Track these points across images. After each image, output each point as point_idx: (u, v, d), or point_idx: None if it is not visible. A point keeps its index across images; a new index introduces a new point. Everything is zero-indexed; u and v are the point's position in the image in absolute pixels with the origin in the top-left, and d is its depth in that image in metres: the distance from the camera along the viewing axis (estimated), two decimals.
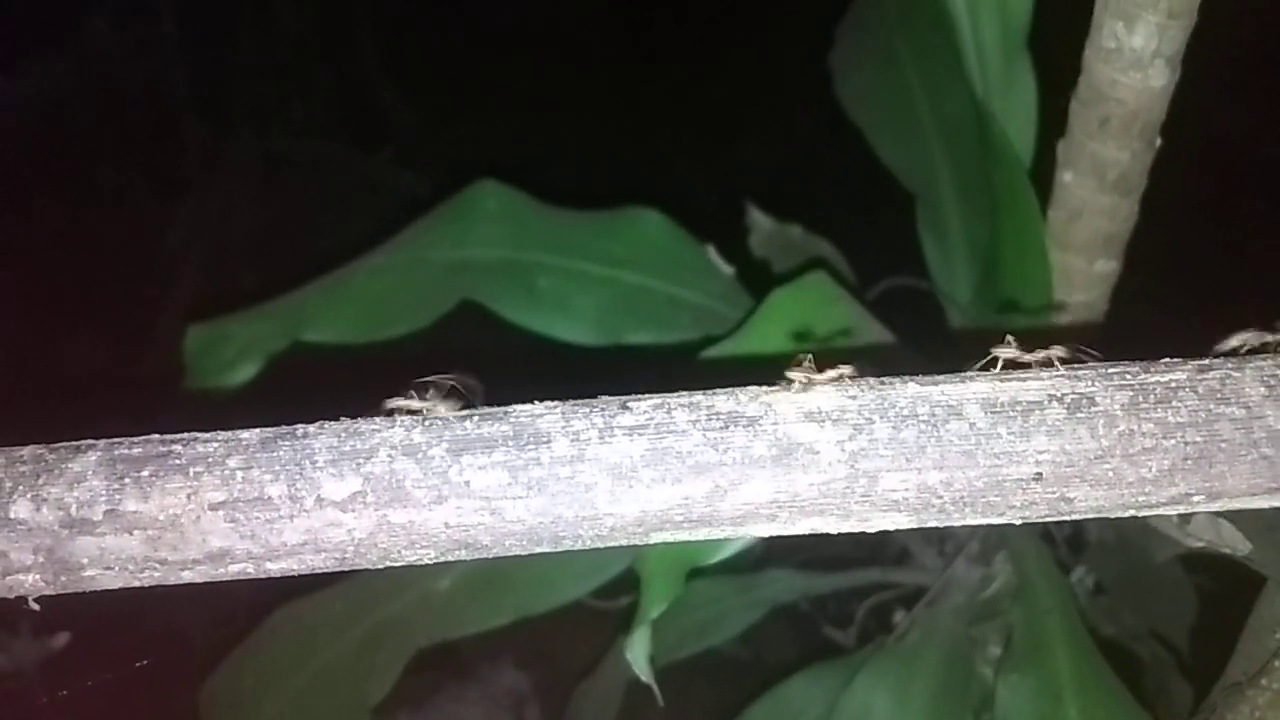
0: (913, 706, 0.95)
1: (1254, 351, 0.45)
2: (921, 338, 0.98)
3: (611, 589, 1.06)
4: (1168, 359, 0.44)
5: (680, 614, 1.09)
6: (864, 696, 0.95)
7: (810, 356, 0.44)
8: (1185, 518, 0.77)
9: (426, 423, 0.43)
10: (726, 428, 0.43)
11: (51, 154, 2.05)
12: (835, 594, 1.24)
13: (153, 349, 1.82)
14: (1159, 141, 0.91)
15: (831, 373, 0.44)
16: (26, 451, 0.44)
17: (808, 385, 0.44)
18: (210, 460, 0.43)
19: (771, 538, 0.94)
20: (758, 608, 1.17)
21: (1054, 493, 0.43)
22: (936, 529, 1.16)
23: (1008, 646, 0.93)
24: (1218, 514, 0.75)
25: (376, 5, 2.39)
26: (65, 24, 2.10)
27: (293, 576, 0.45)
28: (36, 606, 0.44)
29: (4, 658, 1.43)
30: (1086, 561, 1.12)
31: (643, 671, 0.77)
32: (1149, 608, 1.10)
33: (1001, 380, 0.44)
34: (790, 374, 0.45)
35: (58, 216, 1.99)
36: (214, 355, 1.03)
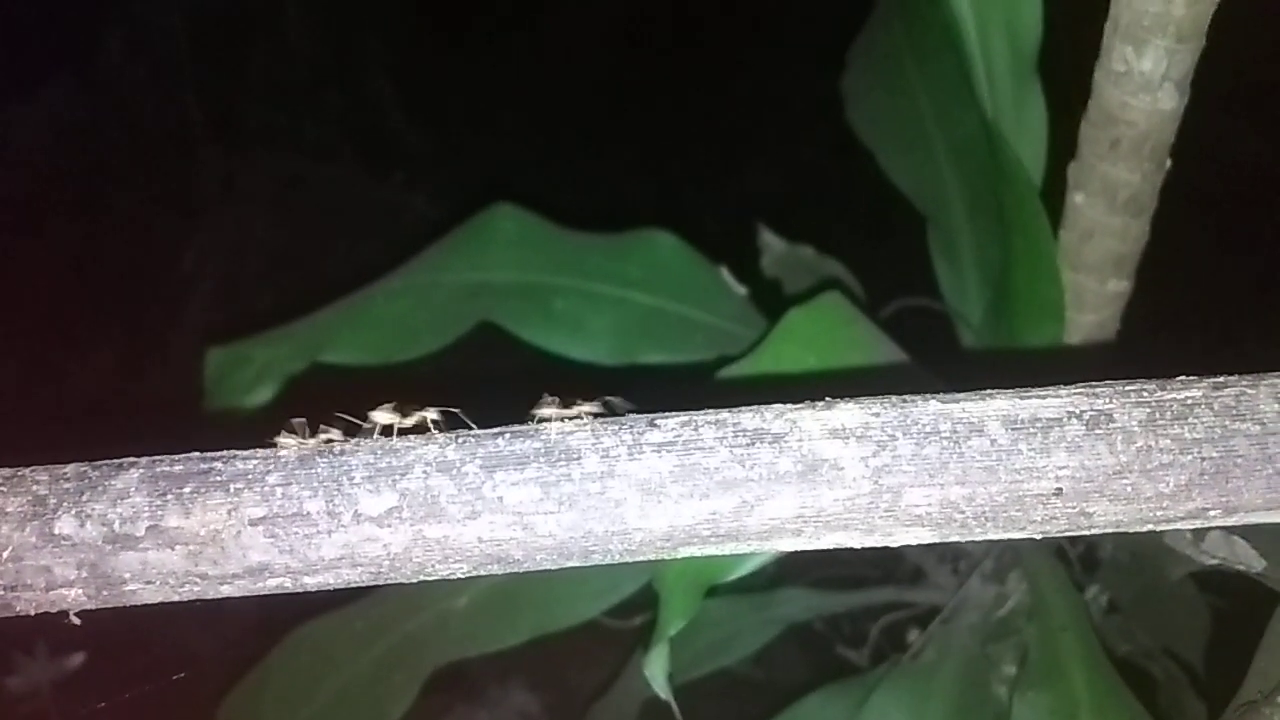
0: None
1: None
2: (935, 358, 0.99)
3: (626, 608, 1.06)
4: (1183, 376, 0.45)
5: (694, 633, 1.09)
6: (880, 715, 0.96)
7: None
8: (1199, 535, 0.77)
9: (460, 440, 0.44)
10: (753, 444, 0.44)
11: (67, 178, 2.07)
12: (849, 613, 1.24)
13: (168, 371, 1.83)
14: (1169, 163, 0.92)
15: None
16: (70, 469, 0.45)
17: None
18: (250, 476, 0.44)
19: (785, 557, 0.95)
20: (771, 627, 1.18)
21: (1074, 508, 0.43)
22: (950, 548, 1.18)
23: (1023, 664, 0.93)
24: (1232, 531, 0.75)
25: (388, 30, 2.42)
26: (80, 49, 2.13)
27: (309, 598, 0.46)
28: (78, 621, 0.45)
29: (20, 678, 1.44)
30: (1100, 580, 1.12)
31: (661, 689, 0.78)
32: (1163, 626, 1.10)
33: (1021, 397, 0.45)
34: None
35: (73, 240, 2.01)
36: (234, 377, 1.04)
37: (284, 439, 0.45)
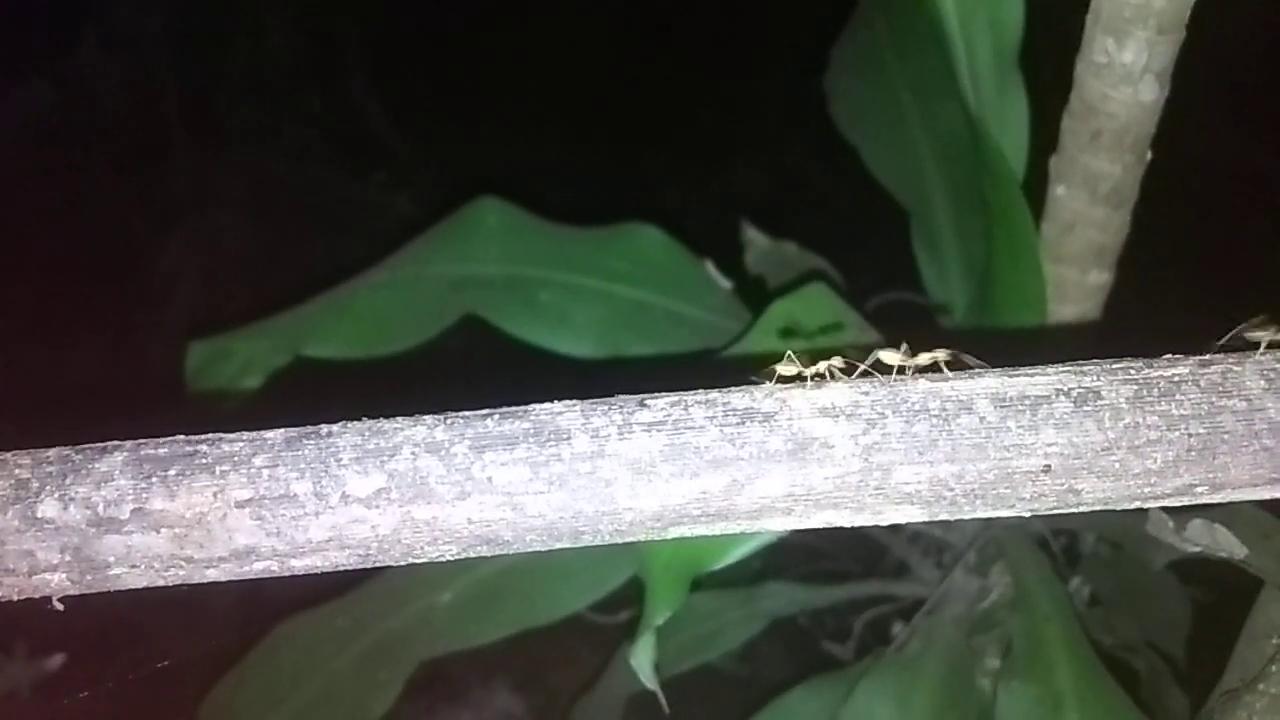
0: (914, 717, 0.95)
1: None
2: (918, 349, 0.99)
3: (610, 603, 1.06)
4: (1170, 355, 0.46)
5: (678, 628, 1.09)
6: (865, 707, 0.96)
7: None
8: (1181, 524, 0.78)
9: (448, 421, 0.44)
10: (743, 423, 0.44)
11: (45, 178, 2.05)
12: (833, 607, 1.24)
13: (148, 370, 1.82)
14: (1149, 155, 0.93)
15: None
16: (53, 452, 0.44)
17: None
18: (236, 459, 0.43)
19: (769, 551, 0.95)
20: (756, 621, 1.18)
21: (1062, 484, 0.44)
22: (934, 541, 1.18)
23: (1007, 655, 0.94)
24: (1214, 518, 0.75)
25: (368, 29, 2.41)
26: (58, 49, 2.11)
27: (291, 595, 0.46)
28: (60, 606, 0.45)
29: None
30: (1082, 572, 1.13)
31: (647, 678, 0.77)
32: (1145, 618, 1.11)
33: (1010, 376, 0.45)
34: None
35: (51, 241, 1.99)
36: (216, 371, 1.03)
37: (782, 367, 0.46)
